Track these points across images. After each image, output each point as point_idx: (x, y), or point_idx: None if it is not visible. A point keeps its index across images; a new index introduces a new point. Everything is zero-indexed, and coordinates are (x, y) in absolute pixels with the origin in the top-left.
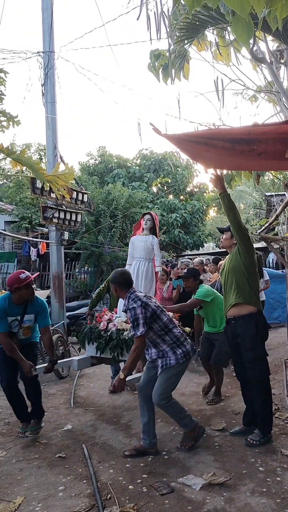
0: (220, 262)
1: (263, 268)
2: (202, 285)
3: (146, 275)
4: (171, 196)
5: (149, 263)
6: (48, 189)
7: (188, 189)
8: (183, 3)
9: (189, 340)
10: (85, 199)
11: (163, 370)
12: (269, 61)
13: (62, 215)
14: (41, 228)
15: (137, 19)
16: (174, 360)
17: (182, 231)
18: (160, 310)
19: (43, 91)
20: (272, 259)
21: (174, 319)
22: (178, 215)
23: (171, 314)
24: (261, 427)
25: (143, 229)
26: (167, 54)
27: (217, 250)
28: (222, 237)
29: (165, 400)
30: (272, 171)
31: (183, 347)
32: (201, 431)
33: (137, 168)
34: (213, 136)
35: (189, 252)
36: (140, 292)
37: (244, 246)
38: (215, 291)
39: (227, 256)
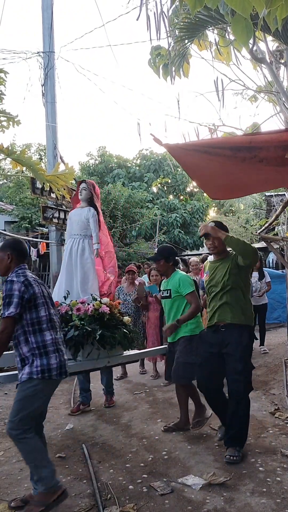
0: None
1: (264, 268)
2: (178, 272)
3: (82, 254)
4: (171, 196)
5: (84, 240)
6: (48, 189)
7: (188, 189)
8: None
9: (65, 356)
10: None
11: (17, 387)
12: (269, 61)
13: (62, 215)
14: (41, 228)
15: (137, 19)
16: (26, 375)
17: (182, 231)
18: (43, 302)
19: (43, 91)
20: (272, 259)
21: (58, 322)
22: (178, 215)
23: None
24: (238, 442)
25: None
26: (167, 52)
27: None
28: (214, 243)
29: (16, 430)
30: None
31: (46, 359)
32: (62, 495)
33: (137, 168)
34: (214, 145)
35: (189, 252)
36: (34, 275)
37: (249, 265)
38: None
39: (212, 258)
